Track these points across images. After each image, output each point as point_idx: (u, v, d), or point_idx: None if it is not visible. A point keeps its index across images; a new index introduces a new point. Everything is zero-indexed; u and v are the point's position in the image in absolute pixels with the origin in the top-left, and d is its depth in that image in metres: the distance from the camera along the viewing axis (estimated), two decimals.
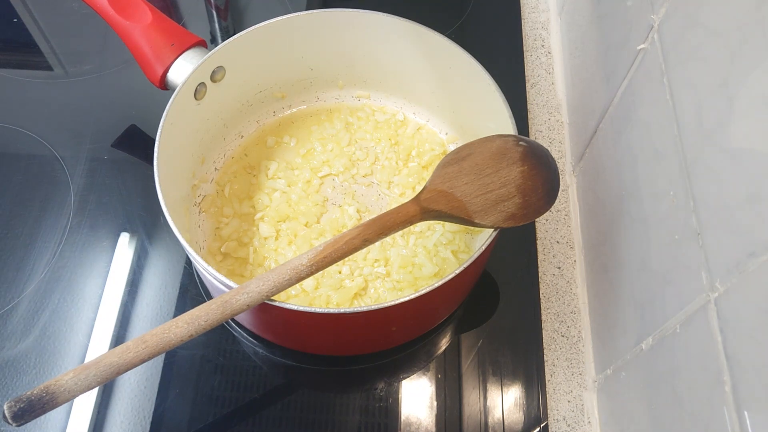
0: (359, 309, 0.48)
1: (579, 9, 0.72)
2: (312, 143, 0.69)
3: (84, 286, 0.63)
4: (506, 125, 0.56)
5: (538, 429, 0.57)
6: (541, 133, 0.74)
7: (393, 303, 0.46)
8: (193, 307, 0.44)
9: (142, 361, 0.43)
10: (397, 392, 0.59)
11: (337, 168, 0.67)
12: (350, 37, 0.66)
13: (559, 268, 0.65)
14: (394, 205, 0.60)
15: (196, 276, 0.64)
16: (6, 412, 0.40)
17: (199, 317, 0.44)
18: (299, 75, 0.70)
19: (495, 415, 0.57)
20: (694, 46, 0.42)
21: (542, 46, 0.81)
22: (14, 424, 0.40)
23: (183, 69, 0.60)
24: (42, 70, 0.79)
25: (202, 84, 0.60)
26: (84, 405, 0.57)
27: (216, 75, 0.61)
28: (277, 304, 0.46)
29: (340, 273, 0.61)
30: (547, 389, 0.59)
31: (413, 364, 0.60)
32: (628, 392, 0.51)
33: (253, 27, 0.61)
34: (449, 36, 0.61)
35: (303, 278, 0.46)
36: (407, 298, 0.47)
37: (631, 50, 0.53)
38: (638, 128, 0.51)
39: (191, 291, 0.63)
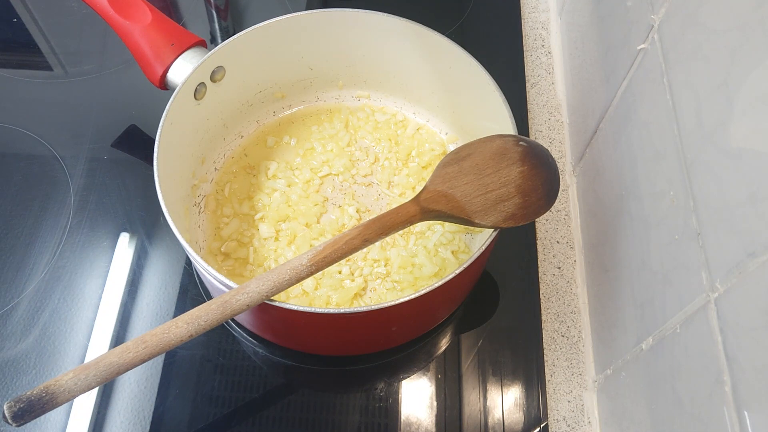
0: (359, 309, 0.48)
1: (579, 9, 0.72)
2: (312, 143, 0.69)
3: (84, 286, 0.63)
4: (506, 125, 0.56)
5: (538, 429, 0.57)
6: (541, 133, 0.74)
7: (393, 303, 0.46)
8: (193, 307, 0.44)
9: (142, 361, 0.43)
10: (397, 392, 0.59)
11: (337, 168, 0.67)
12: (350, 37, 0.66)
13: (559, 268, 0.65)
14: (394, 205, 0.60)
15: (196, 276, 0.64)
16: (6, 412, 0.40)
17: (199, 317, 0.44)
18: (299, 75, 0.70)
19: (495, 415, 0.57)
20: (694, 46, 0.42)
21: (542, 46, 0.81)
22: (14, 424, 0.40)
23: (183, 69, 0.60)
24: (42, 70, 0.79)
25: (202, 84, 0.60)
26: (84, 405, 0.57)
27: (216, 75, 0.61)
28: (277, 304, 0.46)
29: (340, 273, 0.61)
30: (547, 389, 0.59)
31: (413, 364, 0.60)
32: (628, 392, 0.51)
33: (253, 27, 0.61)
34: (449, 36, 0.61)
35: (303, 278, 0.46)
36: (407, 298, 0.47)
37: (631, 50, 0.53)
38: (638, 128, 0.51)
39: (191, 291, 0.63)
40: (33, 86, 0.77)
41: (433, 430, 0.57)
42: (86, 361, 0.46)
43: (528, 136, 0.73)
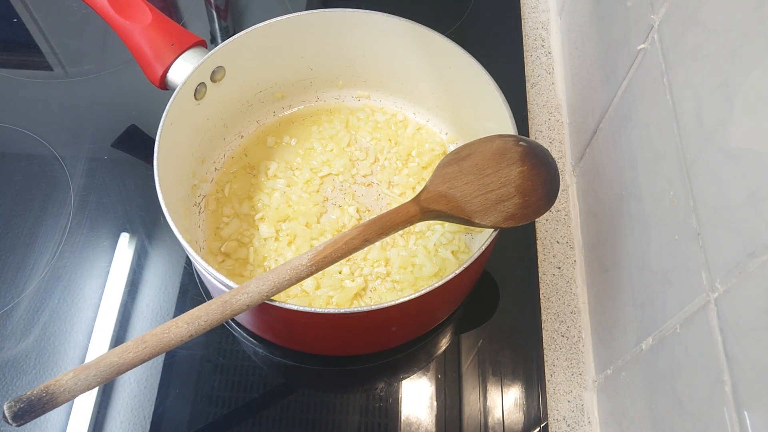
0: (359, 309, 0.48)
1: (579, 9, 0.72)
2: (312, 143, 0.69)
3: (84, 286, 0.63)
4: (506, 125, 0.56)
5: (538, 429, 0.57)
6: (541, 133, 0.74)
7: (393, 303, 0.46)
8: (193, 307, 0.44)
9: (142, 361, 0.43)
10: (397, 392, 0.59)
11: (337, 168, 0.67)
12: (350, 37, 0.66)
13: (559, 268, 0.65)
14: (394, 205, 0.61)
15: (196, 276, 0.64)
16: (6, 412, 0.40)
17: (199, 317, 0.44)
18: (299, 75, 0.70)
19: (495, 415, 0.57)
20: (694, 46, 0.42)
21: (542, 46, 0.81)
22: (14, 424, 0.40)
23: (183, 69, 0.60)
24: (42, 70, 0.79)
25: (202, 84, 0.60)
26: (84, 405, 0.57)
27: (216, 75, 0.61)
28: (277, 304, 0.46)
29: (340, 273, 0.61)
30: (547, 389, 0.59)
31: (413, 364, 0.60)
32: (628, 392, 0.51)
33: (253, 27, 0.61)
34: (449, 36, 0.61)
35: (303, 278, 0.46)
36: (407, 298, 0.47)
37: (631, 50, 0.53)
38: (638, 128, 0.51)
39: (191, 291, 0.63)
40: (33, 86, 0.77)
41: (433, 430, 0.57)
42: (86, 361, 0.46)
43: (528, 136, 0.73)
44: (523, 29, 0.82)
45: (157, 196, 0.51)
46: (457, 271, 0.48)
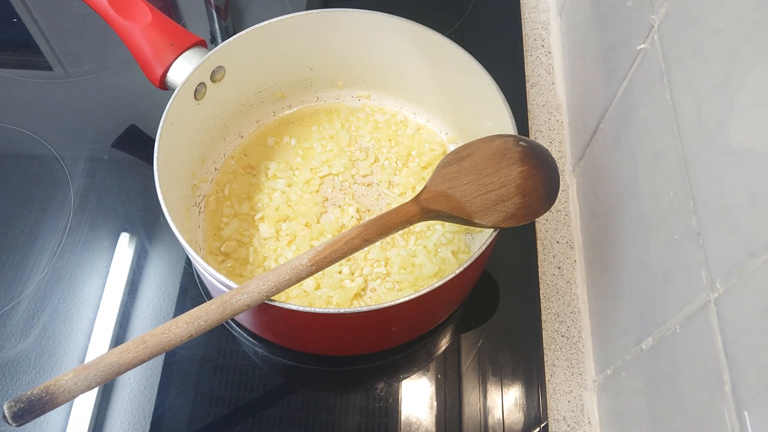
0: (359, 309, 0.48)
1: (579, 9, 0.72)
2: (312, 143, 0.69)
3: (84, 286, 0.63)
4: (506, 125, 0.56)
5: (538, 429, 0.57)
6: (541, 133, 0.74)
7: (393, 303, 0.46)
8: (193, 307, 0.44)
9: (142, 361, 0.43)
10: (397, 392, 0.59)
11: (337, 168, 0.67)
12: (350, 37, 0.66)
13: (559, 268, 0.65)
14: (394, 205, 0.61)
15: (196, 276, 0.64)
16: (6, 412, 0.40)
17: (199, 317, 0.44)
18: (299, 75, 0.70)
19: (495, 415, 0.57)
20: (694, 46, 0.42)
21: (542, 46, 0.81)
22: (14, 424, 0.40)
23: (183, 69, 0.60)
24: (42, 70, 0.79)
25: (202, 84, 0.60)
26: (84, 405, 0.57)
27: (216, 75, 0.61)
28: (277, 304, 0.46)
29: (340, 273, 0.61)
30: (547, 389, 0.59)
31: (413, 364, 0.60)
32: (628, 392, 0.51)
33: (253, 27, 0.61)
34: (449, 36, 0.61)
35: (303, 278, 0.46)
36: (407, 298, 0.47)
37: (631, 50, 0.53)
38: (638, 128, 0.51)
39: (191, 291, 0.63)
40: (33, 86, 0.77)
41: (433, 430, 0.57)
42: (86, 361, 0.46)
43: (528, 136, 0.73)
44: (523, 29, 0.82)
45: (157, 196, 0.51)
46: (457, 271, 0.48)
